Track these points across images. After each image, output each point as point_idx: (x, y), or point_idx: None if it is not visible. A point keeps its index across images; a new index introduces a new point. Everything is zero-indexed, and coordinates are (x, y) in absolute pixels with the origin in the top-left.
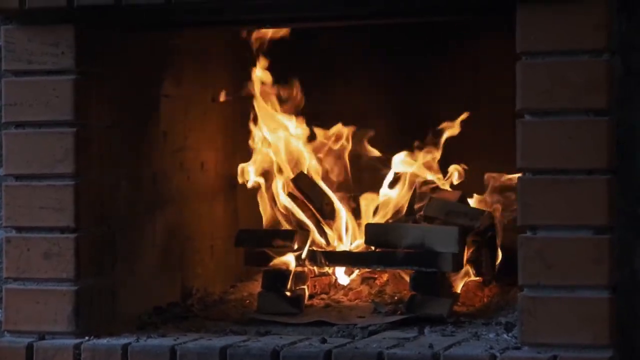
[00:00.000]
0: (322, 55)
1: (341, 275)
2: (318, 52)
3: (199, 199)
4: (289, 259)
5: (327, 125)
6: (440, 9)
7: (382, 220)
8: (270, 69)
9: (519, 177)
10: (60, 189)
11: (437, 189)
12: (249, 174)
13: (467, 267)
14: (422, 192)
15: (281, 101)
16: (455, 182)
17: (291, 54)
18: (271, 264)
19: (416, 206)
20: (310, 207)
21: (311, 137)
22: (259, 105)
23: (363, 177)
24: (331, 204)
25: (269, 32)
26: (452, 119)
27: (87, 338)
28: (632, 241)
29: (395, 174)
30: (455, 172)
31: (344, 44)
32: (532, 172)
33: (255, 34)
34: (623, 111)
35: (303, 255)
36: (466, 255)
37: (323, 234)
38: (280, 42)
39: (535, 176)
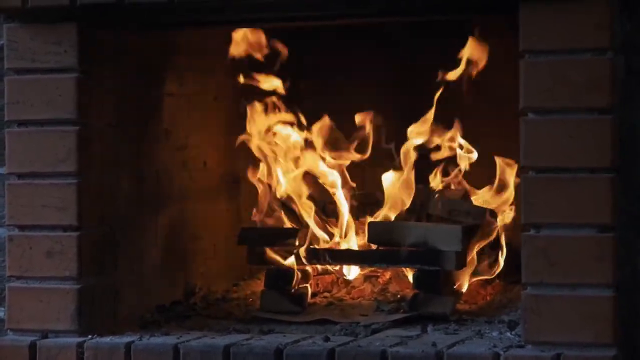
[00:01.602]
0: (322, 53)
1: (347, 270)
2: (318, 50)
3: (202, 197)
4: (292, 258)
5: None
6: (441, 8)
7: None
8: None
9: (522, 176)
10: (62, 187)
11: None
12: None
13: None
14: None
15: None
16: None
17: (292, 52)
18: (274, 262)
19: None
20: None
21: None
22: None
23: (366, 175)
24: (334, 202)
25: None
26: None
27: (90, 336)
28: (634, 240)
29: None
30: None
31: (345, 43)
32: (536, 171)
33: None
34: (624, 110)
35: (305, 254)
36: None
37: (326, 232)
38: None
39: (538, 174)
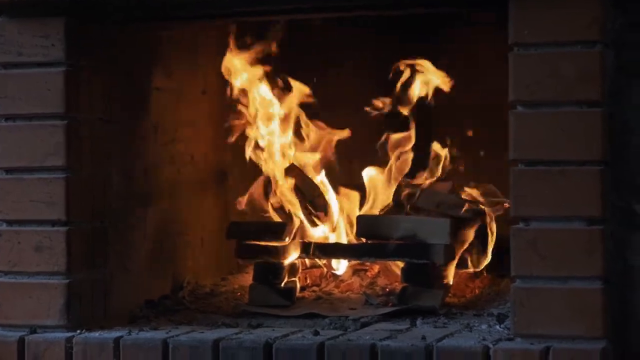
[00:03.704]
0: (315, 44)
1: (336, 263)
2: (312, 41)
3: (190, 191)
4: (280, 251)
5: (318, 116)
6: (432, 2)
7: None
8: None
9: (511, 169)
10: (51, 182)
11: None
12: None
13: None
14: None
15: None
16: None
17: (286, 44)
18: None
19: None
20: (301, 199)
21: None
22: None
23: (354, 168)
24: (322, 195)
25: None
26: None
27: (78, 331)
28: (625, 234)
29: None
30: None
31: (338, 34)
32: (525, 164)
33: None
34: (616, 105)
35: (294, 248)
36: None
37: (314, 226)
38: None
39: (527, 167)
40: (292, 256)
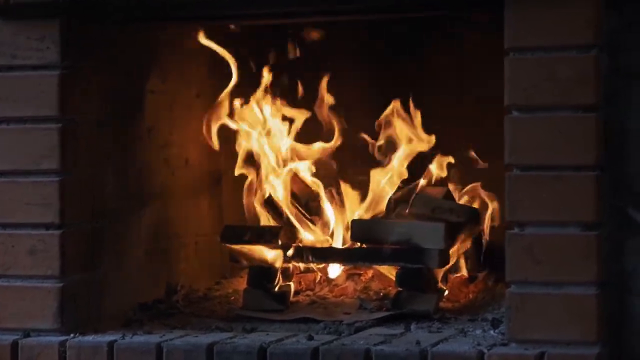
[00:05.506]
0: (309, 49)
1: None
2: (305, 46)
3: (184, 194)
4: (275, 256)
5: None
6: (428, 5)
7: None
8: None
9: (506, 174)
10: (45, 185)
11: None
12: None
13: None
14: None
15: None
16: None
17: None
18: (256, 260)
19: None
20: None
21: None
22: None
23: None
24: (317, 200)
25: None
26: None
27: (72, 335)
28: (623, 237)
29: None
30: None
31: (331, 39)
32: (520, 168)
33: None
34: (613, 108)
35: (288, 252)
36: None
37: (309, 230)
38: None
39: (523, 172)
40: (286, 260)
